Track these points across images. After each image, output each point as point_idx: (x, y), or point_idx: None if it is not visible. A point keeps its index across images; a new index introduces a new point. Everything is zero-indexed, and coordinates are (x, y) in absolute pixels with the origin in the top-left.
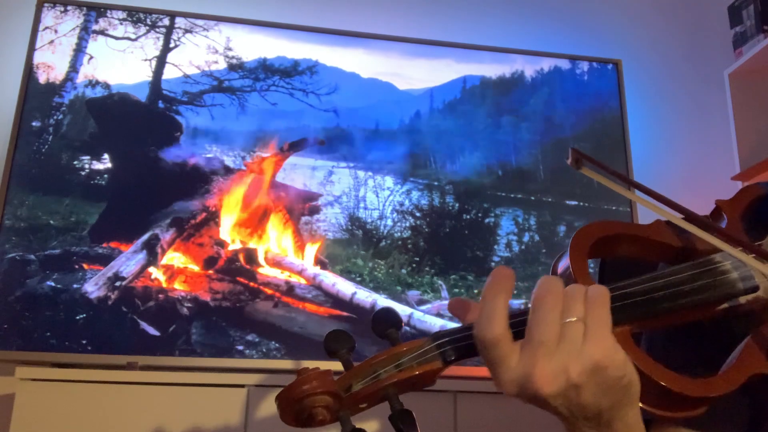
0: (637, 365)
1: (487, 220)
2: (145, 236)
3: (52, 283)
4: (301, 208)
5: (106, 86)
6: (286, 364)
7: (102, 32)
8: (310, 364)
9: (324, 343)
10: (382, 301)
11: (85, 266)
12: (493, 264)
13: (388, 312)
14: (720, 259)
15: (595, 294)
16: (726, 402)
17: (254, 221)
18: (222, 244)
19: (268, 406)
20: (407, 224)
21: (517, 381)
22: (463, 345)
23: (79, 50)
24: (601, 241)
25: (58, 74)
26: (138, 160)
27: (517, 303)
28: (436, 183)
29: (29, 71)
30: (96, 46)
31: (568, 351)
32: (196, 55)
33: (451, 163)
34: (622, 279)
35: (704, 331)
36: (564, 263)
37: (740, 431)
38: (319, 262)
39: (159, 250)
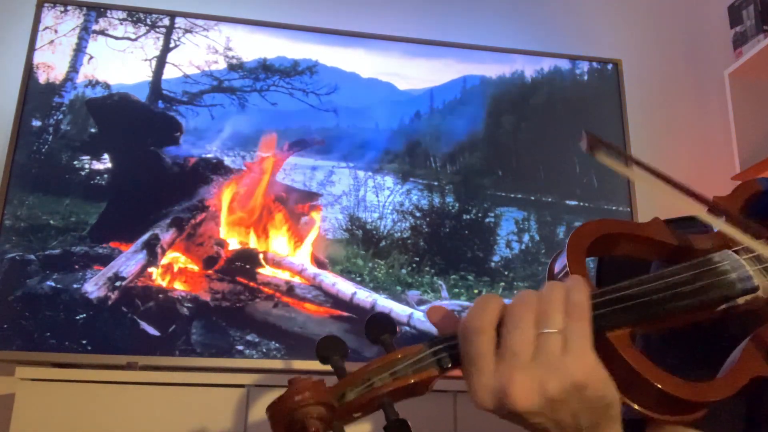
0: (636, 368)
1: (487, 220)
2: (145, 236)
3: (52, 283)
4: (301, 208)
5: (106, 86)
6: (286, 364)
7: (102, 32)
8: (310, 364)
9: (316, 350)
10: (382, 301)
11: (85, 266)
12: (493, 264)
13: (382, 317)
14: (719, 259)
15: (576, 305)
16: (724, 403)
17: (254, 221)
18: (222, 244)
19: None
20: (407, 224)
21: (492, 390)
22: (459, 351)
23: (79, 50)
24: (599, 240)
25: (58, 74)
26: (138, 160)
27: None
28: (436, 183)
29: (29, 71)
30: (96, 46)
31: (545, 364)
32: (196, 55)
33: (451, 163)
34: (619, 277)
35: (702, 332)
36: (561, 262)
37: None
38: (319, 262)
39: (159, 250)
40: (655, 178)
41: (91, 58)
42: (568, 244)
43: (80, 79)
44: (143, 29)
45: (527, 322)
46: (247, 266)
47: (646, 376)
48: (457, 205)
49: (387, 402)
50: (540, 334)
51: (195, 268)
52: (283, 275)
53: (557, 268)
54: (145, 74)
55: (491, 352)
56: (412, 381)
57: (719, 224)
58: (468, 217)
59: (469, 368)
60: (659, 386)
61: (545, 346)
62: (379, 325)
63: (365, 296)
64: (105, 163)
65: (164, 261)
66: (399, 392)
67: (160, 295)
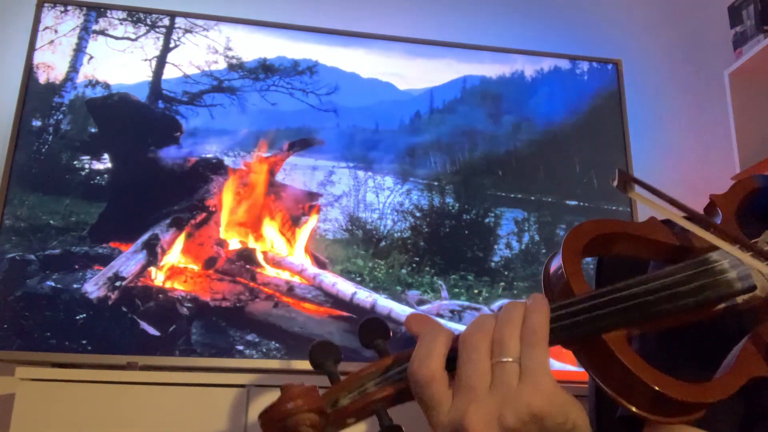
0: (632, 370)
1: (487, 220)
2: (145, 236)
3: (52, 283)
4: (301, 208)
5: (106, 86)
6: (287, 364)
7: (102, 32)
8: (309, 364)
9: (309, 355)
10: (382, 301)
11: (85, 266)
12: (493, 264)
13: (376, 322)
14: (717, 258)
15: (532, 329)
16: (721, 401)
17: (254, 221)
18: (222, 244)
19: None
20: (407, 224)
21: (449, 426)
22: (451, 356)
23: (79, 50)
24: (596, 240)
25: (58, 74)
26: (138, 160)
27: None
28: (436, 183)
29: (29, 71)
30: (96, 46)
31: (502, 395)
32: (196, 55)
33: (451, 163)
34: (619, 277)
35: (699, 331)
36: (556, 263)
37: (733, 429)
38: (319, 262)
39: (159, 250)
40: (682, 214)
41: (91, 58)
42: (563, 244)
43: (80, 79)
44: (143, 29)
45: (481, 352)
46: (247, 266)
47: (643, 377)
48: (457, 205)
49: (380, 407)
50: (495, 364)
51: (195, 268)
52: (283, 275)
53: (552, 268)
54: (145, 74)
55: (445, 393)
56: (406, 386)
57: (712, 239)
58: (468, 217)
59: (426, 408)
60: (656, 388)
61: (501, 375)
62: (372, 330)
63: (365, 296)
64: (105, 163)
65: (164, 261)
66: (392, 398)
67: (160, 295)
